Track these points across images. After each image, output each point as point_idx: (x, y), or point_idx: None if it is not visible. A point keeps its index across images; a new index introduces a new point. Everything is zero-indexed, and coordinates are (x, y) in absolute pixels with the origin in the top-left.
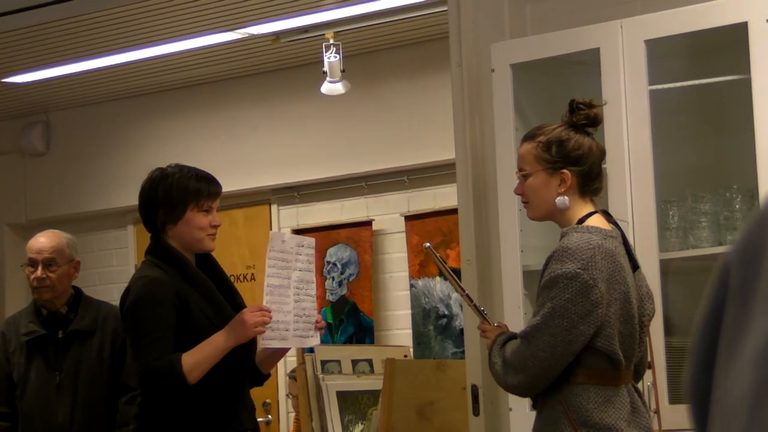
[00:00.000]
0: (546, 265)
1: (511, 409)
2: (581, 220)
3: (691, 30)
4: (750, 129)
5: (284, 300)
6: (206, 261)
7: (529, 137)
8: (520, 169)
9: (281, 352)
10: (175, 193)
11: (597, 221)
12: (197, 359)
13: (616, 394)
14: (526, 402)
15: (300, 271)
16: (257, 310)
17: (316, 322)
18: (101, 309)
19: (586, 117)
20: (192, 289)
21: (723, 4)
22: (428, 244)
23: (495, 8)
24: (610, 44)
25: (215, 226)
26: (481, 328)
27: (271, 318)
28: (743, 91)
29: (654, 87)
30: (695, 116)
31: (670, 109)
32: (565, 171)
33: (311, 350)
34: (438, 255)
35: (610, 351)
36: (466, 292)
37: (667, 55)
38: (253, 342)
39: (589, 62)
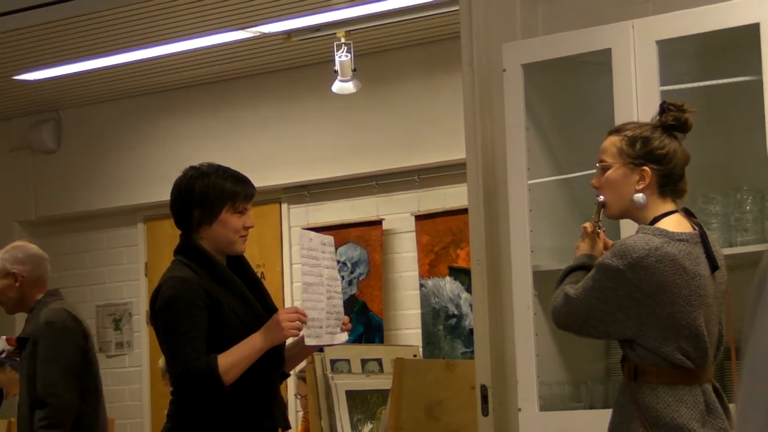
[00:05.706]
0: None
1: (520, 410)
2: (656, 219)
3: (702, 31)
4: (761, 130)
5: (318, 297)
6: (237, 260)
7: (615, 131)
8: (601, 161)
9: (306, 353)
10: (213, 193)
11: (673, 221)
12: (233, 360)
13: (689, 394)
14: (536, 402)
15: (328, 268)
16: (293, 311)
17: (343, 321)
18: (40, 315)
19: (675, 119)
20: (222, 289)
21: (735, 5)
22: (601, 198)
23: (506, 8)
24: (622, 45)
25: (248, 228)
26: (583, 230)
27: (307, 317)
28: (754, 92)
29: (665, 87)
30: (706, 117)
31: None
32: (645, 168)
33: (321, 350)
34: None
35: (661, 353)
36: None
37: (679, 56)
38: (283, 342)
39: (600, 62)
